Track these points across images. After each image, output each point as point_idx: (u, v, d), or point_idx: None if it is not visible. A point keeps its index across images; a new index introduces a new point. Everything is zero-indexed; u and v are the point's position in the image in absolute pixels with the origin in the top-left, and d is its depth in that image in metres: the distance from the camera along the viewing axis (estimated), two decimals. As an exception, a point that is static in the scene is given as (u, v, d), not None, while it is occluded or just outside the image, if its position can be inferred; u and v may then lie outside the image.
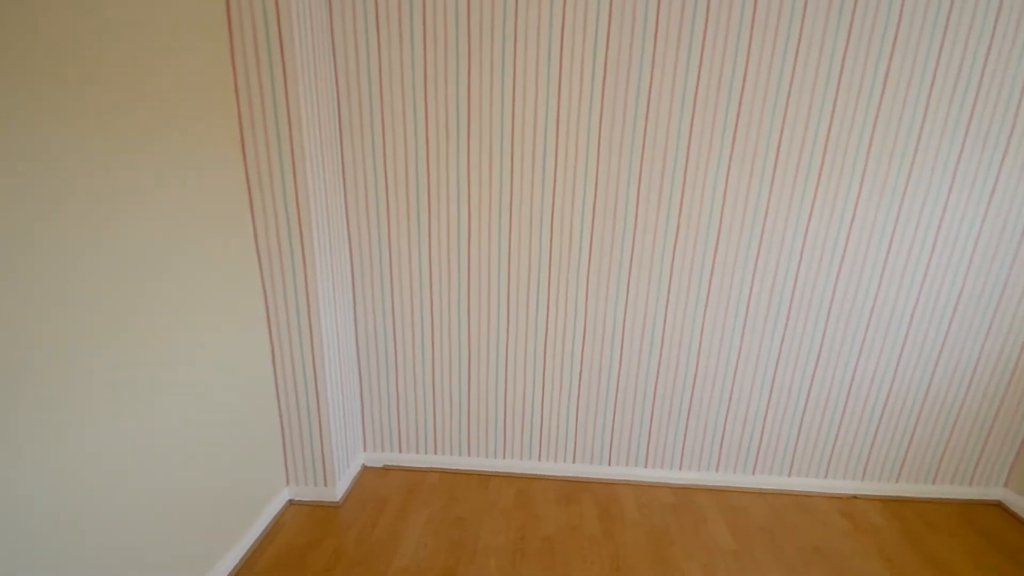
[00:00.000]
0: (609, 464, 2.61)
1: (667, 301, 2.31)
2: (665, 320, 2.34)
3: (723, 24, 1.94)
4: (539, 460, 2.63)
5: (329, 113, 2.09)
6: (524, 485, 2.55)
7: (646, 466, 2.59)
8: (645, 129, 2.08)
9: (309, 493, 2.37)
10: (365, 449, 2.66)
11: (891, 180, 2.09)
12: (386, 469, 2.64)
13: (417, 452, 2.65)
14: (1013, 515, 2.44)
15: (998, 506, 2.50)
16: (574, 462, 2.62)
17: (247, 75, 1.84)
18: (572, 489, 2.53)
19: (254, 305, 2.03)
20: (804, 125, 2.04)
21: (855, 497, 2.52)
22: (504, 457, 2.63)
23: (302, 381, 2.20)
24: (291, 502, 2.37)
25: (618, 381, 2.46)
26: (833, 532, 2.28)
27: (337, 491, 2.36)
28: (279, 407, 2.25)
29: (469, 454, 2.64)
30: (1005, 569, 2.10)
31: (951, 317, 2.26)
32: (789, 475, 2.55)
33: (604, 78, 2.03)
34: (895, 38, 1.92)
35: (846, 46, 1.94)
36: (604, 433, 2.55)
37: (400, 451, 2.65)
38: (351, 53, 2.06)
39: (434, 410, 2.56)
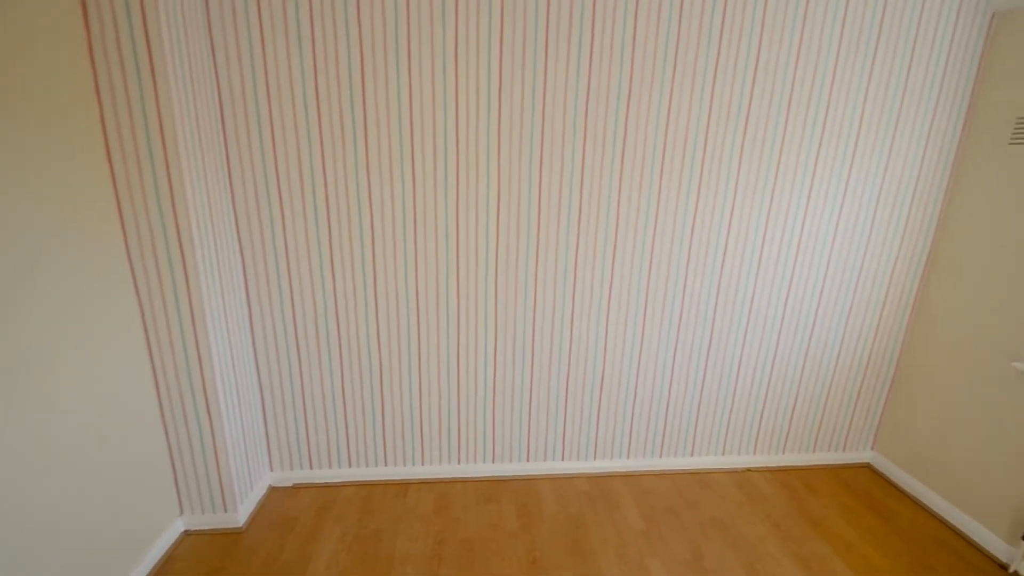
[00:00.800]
0: (528, 460, 2.66)
1: (572, 300, 2.40)
2: (572, 318, 2.43)
3: (607, 46, 2.07)
4: (459, 463, 2.63)
5: (210, 112, 1.97)
6: (444, 489, 2.53)
7: (563, 459, 2.67)
8: (542, 140, 2.16)
9: (207, 521, 2.20)
10: (272, 469, 2.52)
11: (760, 187, 2.32)
12: (296, 488, 2.51)
13: (330, 467, 2.54)
14: (880, 474, 2.77)
15: (867, 467, 2.83)
16: (493, 462, 2.64)
17: (109, 71, 1.69)
18: (492, 488, 2.55)
19: (127, 319, 1.86)
20: (684, 138, 2.21)
21: (748, 470, 2.75)
22: (423, 463, 2.60)
23: (190, 401, 2.04)
24: (187, 532, 2.19)
25: (532, 379, 2.52)
26: (729, 504, 2.47)
27: (240, 516, 2.21)
28: (165, 431, 2.07)
29: (386, 463, 2.58)
30: (871, 522, 2.38)
31: (817, 303, 2.54)
32: (691, 455, 2.74)
33: (500, 86, 2.08)
34: (756, 63, 2.15)
35: (715, 68, 2.14)
36: (521, 430, 2.60)
37: (311, 467, 2.53)
38: (232, 52, 1.97)
39: (345, 422, 2.47)
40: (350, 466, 2.56)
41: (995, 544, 2.20)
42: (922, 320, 2.58)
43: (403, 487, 2.54)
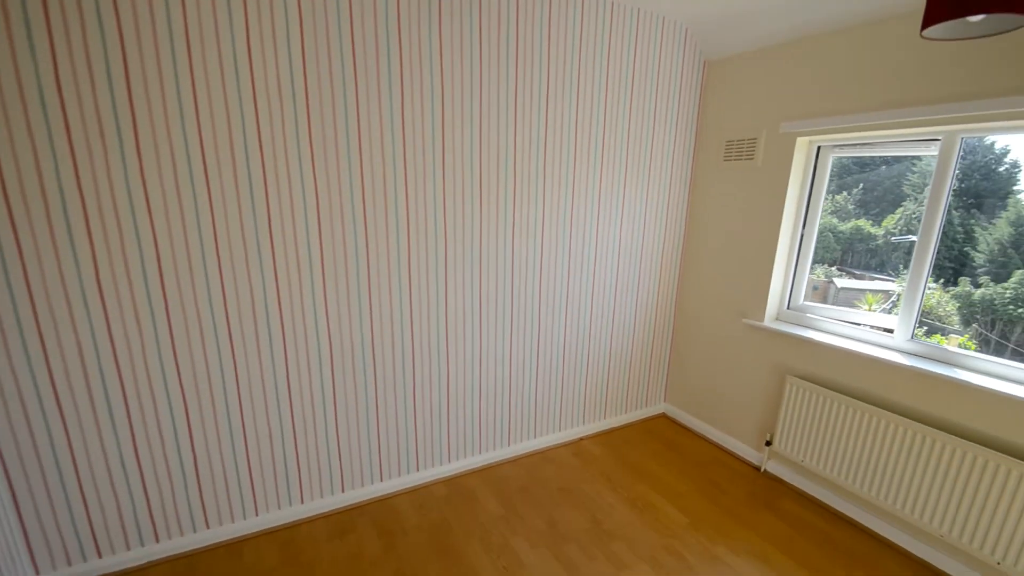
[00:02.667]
0: (382, 480, 2.55)
1: (410, 311, 2.40)
2: (412, 328, 2.43)
3: (416, 63, 2.15)
4: (301, 503, 2.37)
5: None
6: (288, 536, 2.25)
7: (418, 469, 2.64)
8: (360, 149, 2.12)
9: (-73, 676, 1.55)
10: (38, 572, 1.89)
11: (562, 198, 2.68)
12: (79, 589, 1.94)
13: (129, 548, 2.03)
14: (672, 419, 3.45)
15: (663, 416, 3.50)
16: (343, 491, 2.46)
17: None
18: (346, 519, 2.37)
19: None
20: (496, 160, 2.43)
21: (581, 439, 3.14)
22: (257, 514, 2.27)
23: None
24: None
25: (376, 396, 2.43)
26: (571, 471, 2.78)
27: (-12, 651, 1.61)
28: None
29: (208, 526, 2.17)
30: (671, 457, 2.95)
31: (614, 291, 3.05)
32: (535, 437, 3.00)
33: (307, 97, 1.98)
34: (547, 99, 2.49)
35: (515, 102, 2.41)
36: (371, 451, 2.48)
37: (100, 555, 1.98)
38: None
39: (143, 485, 2.00)
40: (157, 541, 2.08)
41: (750, 453, 2.96)
42: (684, 295, 3.32)
43: (235, 546, 2.18)
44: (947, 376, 2.06)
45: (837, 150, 2.59)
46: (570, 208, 2.73)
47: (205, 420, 2.06)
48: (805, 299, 2.83)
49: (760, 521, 2.42)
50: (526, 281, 2.69)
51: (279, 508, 2.32)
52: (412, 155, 2.23)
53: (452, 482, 2.67)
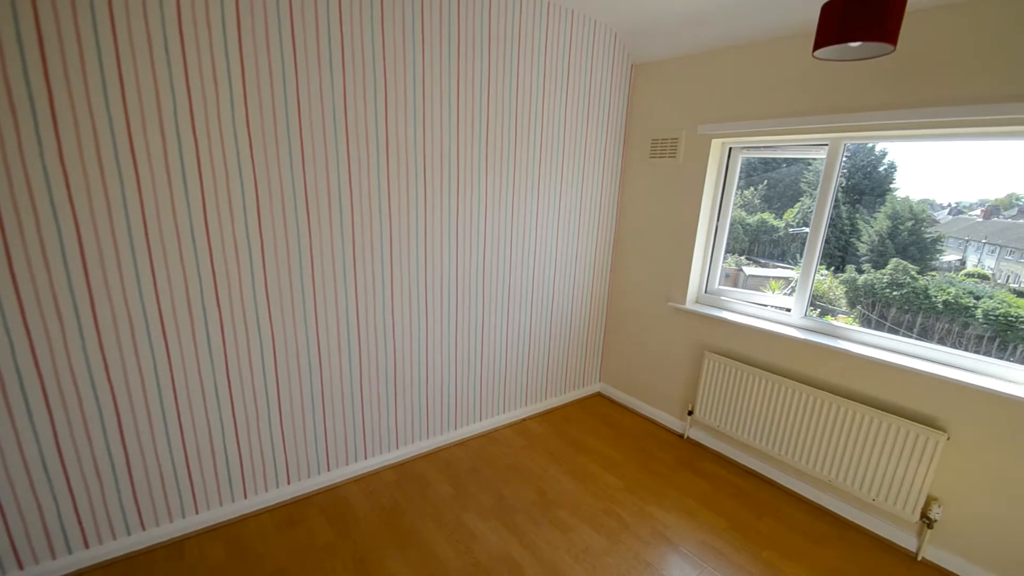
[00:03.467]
0: (328, 470, 2.54)
1: (355, 298, 2.41)
2: (357, 315, 2.43)
3: (359, 61, 2.16)
4: (245, 498, 2.31)
5: None
6: (234, 532, 2.19)
7: (366, 457, 2.65)
8: (302, 144, 2.10)
9: None
10: (-58, 593, 1.72)
11: (503, 193, 2.80)
12: (-6, 606, 1.78)
13: (54, 557, 1.88)
14: (607, 398, 3.71)
15: (599, 395, 3.75)
16: (288, 483, 2.43)
17: None
18: (294, 511, 2.34)
19: None
20: (439, 157, 2.49)
21: (524, 420, 3.30)
22: (198, 511, 2.19)
23: None
24: None
25: (321, 385, 2.41)
26: (516, 449, 2.93)
27: None
28: None
29: (143, 527, 2.06)
30: (607, 432, 3.19)
31: (553, 278, 3.22)
32: (480, 419, 3.11)
33: (243, 75, 1.93)
34: (488, 99, 2.59)
35: (458, 101, 2.48)
36: (317, 440, 2.46)
37: (21, 567, 1.83)
38: None
39: (69, 487, 1.87)
40: (87, 546, 1.95)
41: (675, 423, 3.27)
42: (616, 281, 3.57)
43: (176, 547, 2.09)
44: (831, 346, 2.44)
45: (745, 151, 2.93)
46: (511, 200, 2.85)
47: (137, 414, 1.95)
48: (719, 284, 3.17)
49: (685, 481, 2.71)
50: (469, 272, 2.78)
51: (220, 505, 2.25)
52: (355, 150, 2.23)
53: (402, 467, 2.72)
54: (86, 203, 1.70)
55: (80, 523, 1.92)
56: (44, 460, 1.80)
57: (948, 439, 2.13)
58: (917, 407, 2.23)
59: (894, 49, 1.65)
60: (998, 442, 2.02)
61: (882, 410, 2.30)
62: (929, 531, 2.21)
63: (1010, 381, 2.04)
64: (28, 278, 1.66)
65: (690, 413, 3.12)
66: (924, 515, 2.21)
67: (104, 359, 1.84)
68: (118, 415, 1.91)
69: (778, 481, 2.74)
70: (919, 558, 2.23)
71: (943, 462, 2.16)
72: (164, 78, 1.75)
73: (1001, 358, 2.14)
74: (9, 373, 1.68)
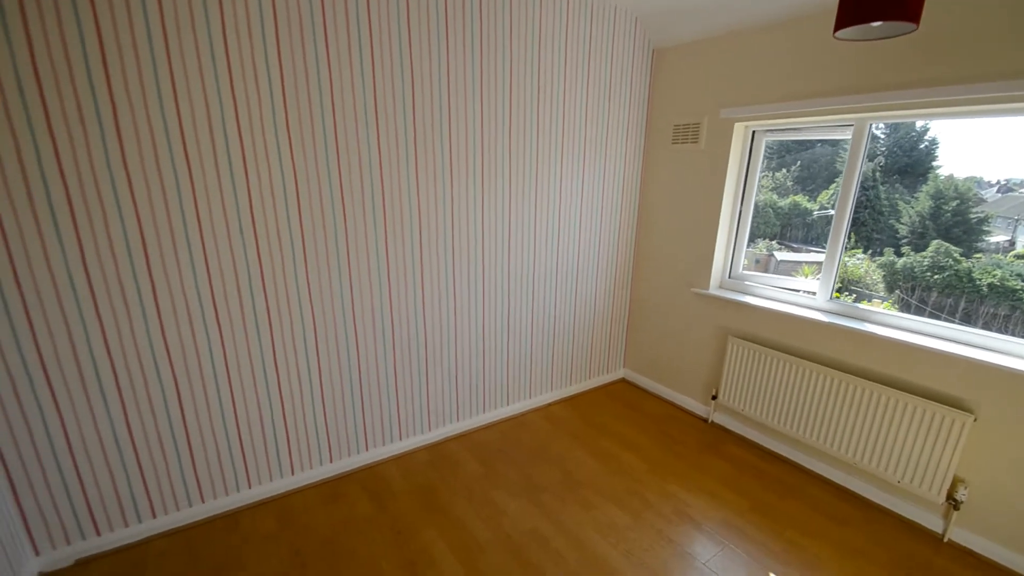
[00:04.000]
0: (367, 449, 2.70)
1: (388, 286, 2.54)
2: (391, 302, 2.57)
3: (387, 55, 2.26)
4: (292, 474, 2.49)
5: None
6: (282, 505, 2.38)
7: (400, 438, 2.81)
8: (336, 142, 2.22)
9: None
10: (38, 553, 1.94)
11: (526, 183, 2.87)
12: (82, 564, 2.00)
13: (127, 525, 2.10)
14: (631, 383, 3.77)
15: (623, 380, 3.82)
16: (331, 462, 2.60)
17: None
18: (336, 487, 2.52)
19: None
20: (464, 152, 2.57)
21: (550, 404, 3.40)
22: (251, 486, 2.38)
23: None
24: None
25: (359, 369, 2.56)
26: (542, 432, 3.04)
27: (0, 624, 1.68)
28: None
29: (203, 499, 2.27)
30: (631, 415, 3.27)
31: (576, 265, 3.29)
32: (508, 404, 3.23)
33: (281, 78, 2.05)
34: (510, 97, 2.65)
35: (481, 102, 2.55)
36: (356, 422, 2.62)
37: (99, 533, 2.05)
38: None
39: (138, 463, 2.07)
40: (154, 516, 2.16)
41: (699, 407, 3.32)
42: (640, 267, 3.61)
43: (232, 518, 2.29)
44: (856, 329, 2.44)
45: (769, 134, 2.91)
46: (534, 188, 2.92)
47: (196, 397, 2.14)
48: (748, 269, 3.17)
49: (708, 464, 2.77)
50: (495, 259, 2.88)
51: (271, 480, 2.44)
52: (386, 144, 2.34)
53: (434, 448, 2.86)
54: (148, 205, 1.87)
55: (148, 495, 2.13)
56: (116, 436, 2.00)
57: (975, 420, 2.12)
58: (943, 389, 2.22)
59: (916, 28, 1.64)
60: (1020, 419, 2.01)
61: (908, 392, 2.30)
62: (955, 512, 2.21)
63: (1041, 362, 2.02)
64: (99, 272, 1.84)
65: (714, 398, 3.16)
66: (950, 496, 2.21)
67: (166, 344, 2.03)
68: (179, 396, 2.10)
69: (802, 464, 2.77)
70: (945, 539, 2.24)
71: (969, 444, 2.16)
72: (212, 86, 1.89)
73: (1033, 339, 2.11)
74: (85, 358, 1.88)
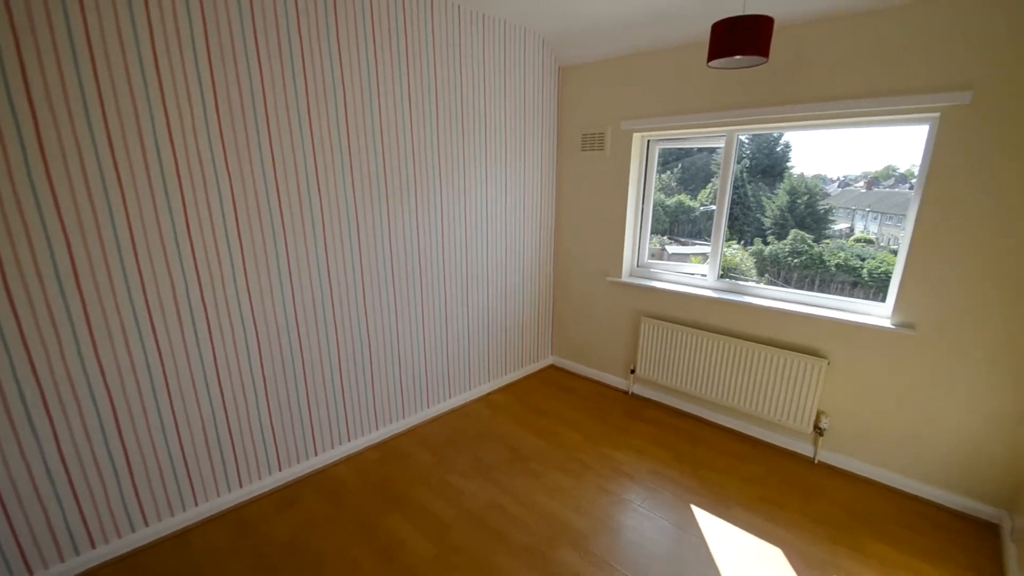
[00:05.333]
0: (316, 454, 2.72)
1: (330, 292, 2.60)
2: (333, 308, 2.62)
3: (318, 75, 2.35)
4: (241, 487, 2.45)
5: None
6: (235, 517, 2.34)
7: (349, 439, 2.85)
8: (272, 153, 2.27)
9: None
10: (-45, 603, 1.75)
11: (456, 190, 3.08)
12: (8, 611, 1.83)
13: (62, 560, 1.95)
14: (560, 368, 4.12)
15: (552, 367, 4.16)
16: (280, 470, 2.58)
17: None
18: (289, 493, 2.51)
19: None
20: (397, 160, 2.73)
21: (489, 394, 3.62)
22: (197, 504, 2.31)
23: None
24: None
25: (304, 375, 2.59)
26: (485, 419, 3.25)
27: None
28: None
29: (147, 523, 2.16)
30: (565, 396, 3.60)
31: (505, 261, 3.56)
32: (450, 397, 3.39)
33: (214, 90, 2.07)
34: (436, 110, 2.85)
35: (409, 113, 2.73)
36: (304, 427, 2.63)
37: (31, 573, 1.88)
38: None
39: (73, 492, 1.94)
40: (93, 547, 2.02)
41: (620, 383, 3.74)
42: (560, 262, 3.97)
43: (181, 537, 2.20)
44: (738, 300, 2.98)
45: (661, 143, 3.42)
46: (463, 192, 3.14)
47: (134, 416, 2.05)
48: (648, 258, 3.66)
49: (633, 427, 3.17)
50: (431, 263, 3.05)
51: (219, 495, 2.37)
52: (320, 153, 2.42)
53: (383, 445, 2.94)
54: (75, 219, 1.79)
55: (86, 524, 2.00)
56: (47, 464, 1.87)
57: (828, 364, 2.72)
58: (805, 342, 2.81)
59: (767, 60, 2.13)
60: (862, 361, 2.62)
61: (780, 348, 2.87)
62: (821, 438, 2.80)
63: (869, 315, 2.65)
64: (24, 295, 1.73)
65: (633, 372, 3.59)
66: (816, 426, 2.80)
67: (99, 362, 1.93)
68: (115, 415, 2.01)
69: (707, 417, 3.28)
70: (816, 461, 2.83)
71: (826, 383, 2.75)
72: (142, 98, 1.87)
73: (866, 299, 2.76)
74: (8, 383, 1.74)
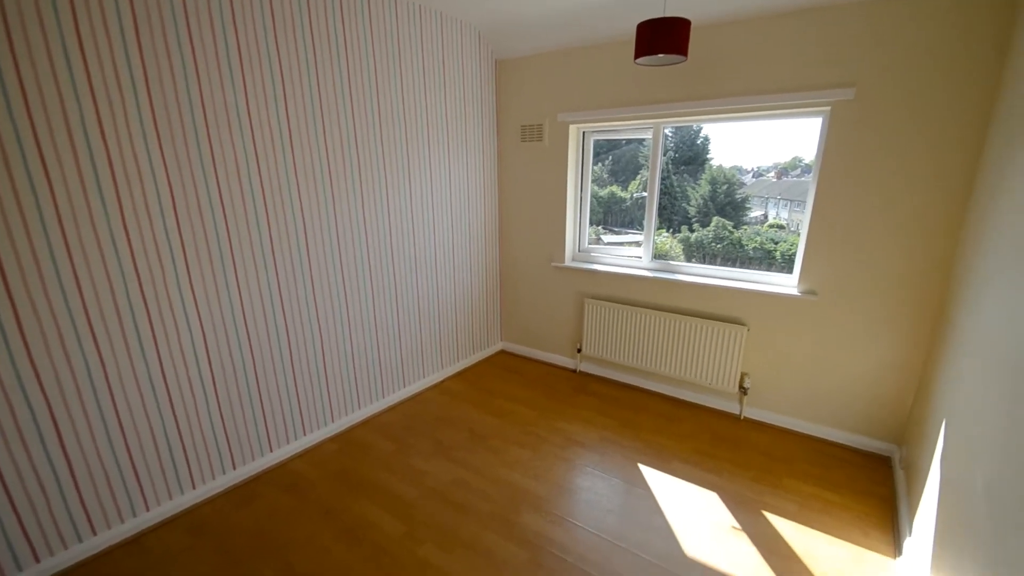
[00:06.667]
0: (271, 450, 2.69)
1: (278, 286, 2.57)
2: (281, 302, 2.60)
3: (256, 67, 2.33)
4: (194, 488, 2.39)
5: None
6: (191, 518, 2.28)
7: (305, 433, 2.84)
8: (211, 147, 2.22)
9: None
10: None
11: (401, 181, 3.13)
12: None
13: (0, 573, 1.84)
14: (510, 353, 4.27)
15: (503, 352, 4.30)
16: (235, 468, 2.54)
17: None
18: (247, 490, 2.48)
19: None
20: (340, 153, 2.74)
21: (443, 381, 3.71)
22: (148, 509, 2.23)
23: None
24: None
25: (255, 371, 2.55)
26: (441, 405, 3.34)
27: None
28: None
29: (94, 532, 2.07)
30: (516, 378, 3.76)
31: (452, 251, 3.65)
32: (404, 386, 3.44)
33: (146, 80, 2.01)
34: (377, 104, 2.88)
35: (351, 108, 2.74)
36: (257, 424, 2.60)
37: (-36, 595, 1.76)
38: None
39: (11, 502, 1.84)
40: (38, 560, 1.92)
41: (568, 362, 3.96)
42: (505, 249, 4.12)
43: (135, 543, 2.12)
44: (669, 278, 3.27)
45: (596, 134, 3.64)
46: (407, 182, 3.18)
47: (75, 421, 1.96)
48: (588, 244, 3.89)
49: (581, 401, 3.39)
50: (379, 255, 3.08)
51: (171, 498, 2.30)
52: (262, 145, 2.39)
53: (341, 437, 2.95)
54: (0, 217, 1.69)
55: (27, 537, 1.89)
56: (-22, 479, 1.75)
57: (748, 330, 3.06)
58: (728, 312, 3.14)
59: (686, 59, 2.37)
60: (776, 326, 2.98)
61: (706, 319, 3.18)
62: (745, 397, 3.15)
63: (780, 285, 3.01)
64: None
65: (579, 351, 3.81)
66: (740, 386, 3.14)
67: (35, 369, 1.83)
68: (55, 421, 1.91)
69: (647, 387, 3.56)
70: (741, 417, 3.17)
71: (747, 347, 3.09)
72: (68, 87, 1.78)
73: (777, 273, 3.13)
74: (-69, 393, 1.62)
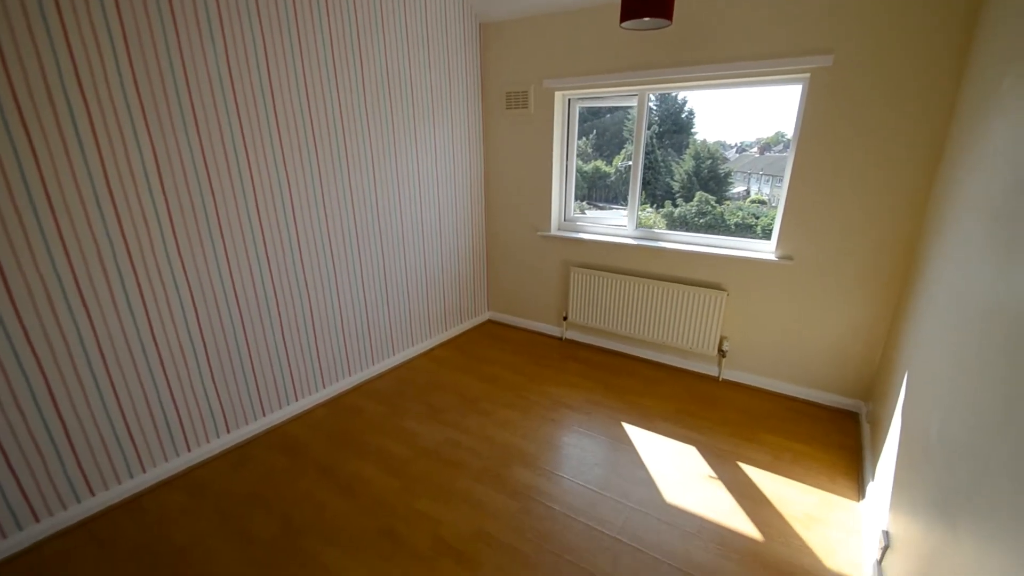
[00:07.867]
0: (264, 415, 2.73)
1: (266, 253, 2.57)
2: (270, 269, 2.60)
3: (239, 43, 2.27)
4: (189, 451, 2.43)
5: None
6: (188, 479, 2.33)
7: (297, 399, 2.89)
8: (195, 117, 2.18)
9: None
10: None
11: (387, 153, 3.11)
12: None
13: (4, 536, 1.87)
14: (497, 322, 4.34)
15: (490, 321, 4.37)
16: (228, 432, 2.58)
17: None
18: (241, 452, 2.53)
19: None
20: (327, 132, 2.70)
21: (432, 348, 3.77)
22: (145, 470, 2.27)
23: None
24: None
25: (245, 337, 2.57)
26: (431, 371, 3.41)
27: None
28: None
29: (92, 492, 2.11)
30: (503, 346, 3.83)
31: (439, 222, 3.66)
32: (394, 354, 3.50)
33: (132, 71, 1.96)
34: (362, 78, 2.83)
35: (336, 82, 2.69)
36: (249, 389, 2.63)
37: (-33, 552, 1.80)
38: None
39: (9, 464, 1.86)
40: (37, 520, 1.95)
41: (554, 330, 4.05)
42: (492, 218, 4.14)
43: (133, 503, 2.17)
44: (653, 246, 3.34)
45: (581, 101, 3.64)
46: (393, 151, 3.16)
47: (68, 383, 1.97)
48: (574, 213, 3.93)
49: (568, 367, 3.49)
50: (366, 223, 3.07)
51: (166, 460, 2.34)
52: (247, 117, 2.36)
53: (332, 402, 3.01)
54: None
55: (26, 498, 1.91)
56: (-27, 441, 1.77)
57: (728, 295, 3.17)
58: (709, 278, 3.24)
59: (671, 23, 2.39)
60: (754, 290, 3.09)
61: (688, 284, 3.28)
62: (724, 359, 3.28)
63: (758, 251, 3.11)
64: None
65: (565, 319, 3.90)
66: (719, 349, 3.27)
67: (24, 329, 1.83)
68: (48, 386, 1.92)
69: (630, 352, 3.68)
70: (720, 378, 3.31)
71: (726, 311, 3.21)
72: (46, 46, 1.73)
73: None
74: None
